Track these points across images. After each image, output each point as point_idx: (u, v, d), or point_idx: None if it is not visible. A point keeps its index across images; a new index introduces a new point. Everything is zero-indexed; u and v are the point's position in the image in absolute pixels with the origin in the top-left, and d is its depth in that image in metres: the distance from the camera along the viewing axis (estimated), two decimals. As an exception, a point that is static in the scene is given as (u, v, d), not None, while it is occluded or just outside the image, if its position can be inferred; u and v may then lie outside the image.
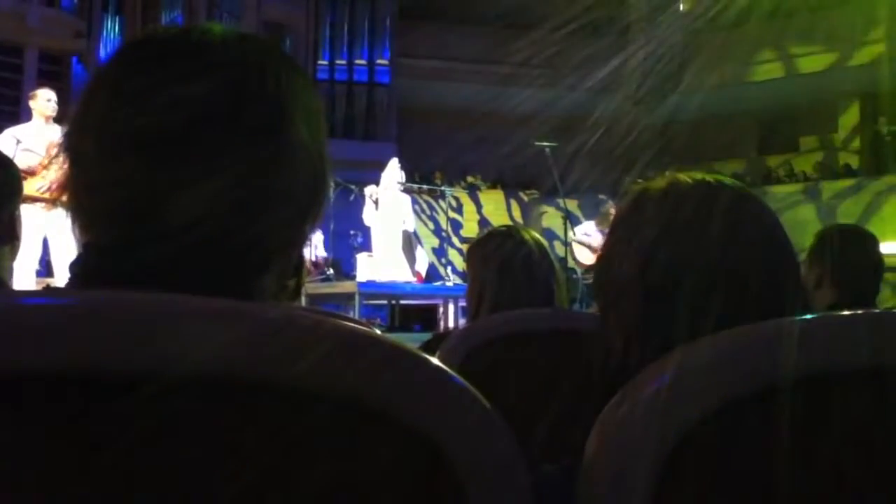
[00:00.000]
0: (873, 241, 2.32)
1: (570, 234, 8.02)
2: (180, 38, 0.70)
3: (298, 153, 0.67)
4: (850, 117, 13.37)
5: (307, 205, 0.69)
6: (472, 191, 13.17)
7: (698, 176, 0.90)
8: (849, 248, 2.25)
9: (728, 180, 0.90)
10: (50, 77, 8.96)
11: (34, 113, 5.50)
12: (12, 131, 5.40)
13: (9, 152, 4.63)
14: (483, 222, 12.53)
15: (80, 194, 0.66)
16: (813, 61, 12.38)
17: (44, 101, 5.46)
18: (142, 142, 0.63)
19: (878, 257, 2.29)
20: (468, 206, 12.92)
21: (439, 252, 11.51)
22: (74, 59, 10.11)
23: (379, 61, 13.07)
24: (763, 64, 12.81)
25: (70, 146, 0.67)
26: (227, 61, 0.67)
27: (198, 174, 0.63)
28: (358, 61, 13.02)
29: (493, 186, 13.48)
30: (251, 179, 0.64)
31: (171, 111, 0.63)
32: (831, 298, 2.19)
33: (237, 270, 0.64)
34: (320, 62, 12.80)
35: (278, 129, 0.66)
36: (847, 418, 0.58)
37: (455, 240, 11.77)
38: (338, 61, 12.93)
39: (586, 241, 7.87)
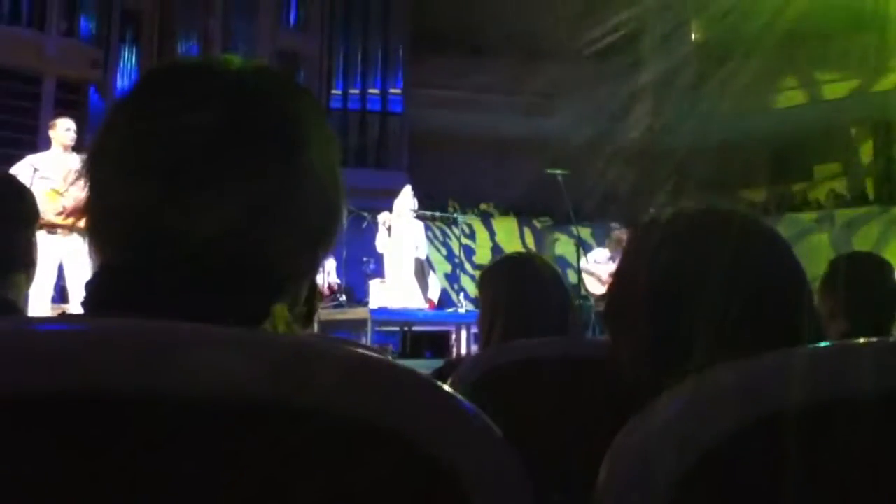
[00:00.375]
0: (888, 269, 2.30)
1: (583, 261, 8.00)
2: (197, 67, 0.71)
3: (311, 181, 0.68)
4: (865, 145, 13.33)
5: (320, 231, 0.70)
6: (485, 218, 13.18)
7: (709, 204, 0.90)
8: (862, 276, 2.23)
9: (739, 208, 0.90)
10: (67, 106, 9.04)
11: (53, 142, 5.56)
12: (31, 159, 5.45)
13: (26, 180, 4.67)
14: (496, 249, 12.51)
15: (97, 219, 0.67)
16: (828, 89, 12.36)
17: (62, 130, 5.51)
18: (157, 168, 0.64)
19: (893, 285, 2.27)
20: (481, 233, 12.91)
21: (452, 278, 11.52)
22: (92, 89, 10.21)
23: (392, 90, 13.16)
24: (780, 92, 12.80)
25: (89, 172, 0.68)
26: (241, 90, 0.68)
27: (210, 199, 0.63)
28: (371, 90, 13.11)
29: (506, 213, 13.48)
30: (263, 206, 0.65)
31: (186, 138, 0.64)
32: (845, 327, 2.16)
33: (249, 296, 0.64)
34: (334, 91, 12.89)
35: (291, 157, 0.67)
36: (859, 446, 0.58)
37: (468, 266, 11.76)
38: (351, 90, 13.02)
39: (596, 270, 7.85)
